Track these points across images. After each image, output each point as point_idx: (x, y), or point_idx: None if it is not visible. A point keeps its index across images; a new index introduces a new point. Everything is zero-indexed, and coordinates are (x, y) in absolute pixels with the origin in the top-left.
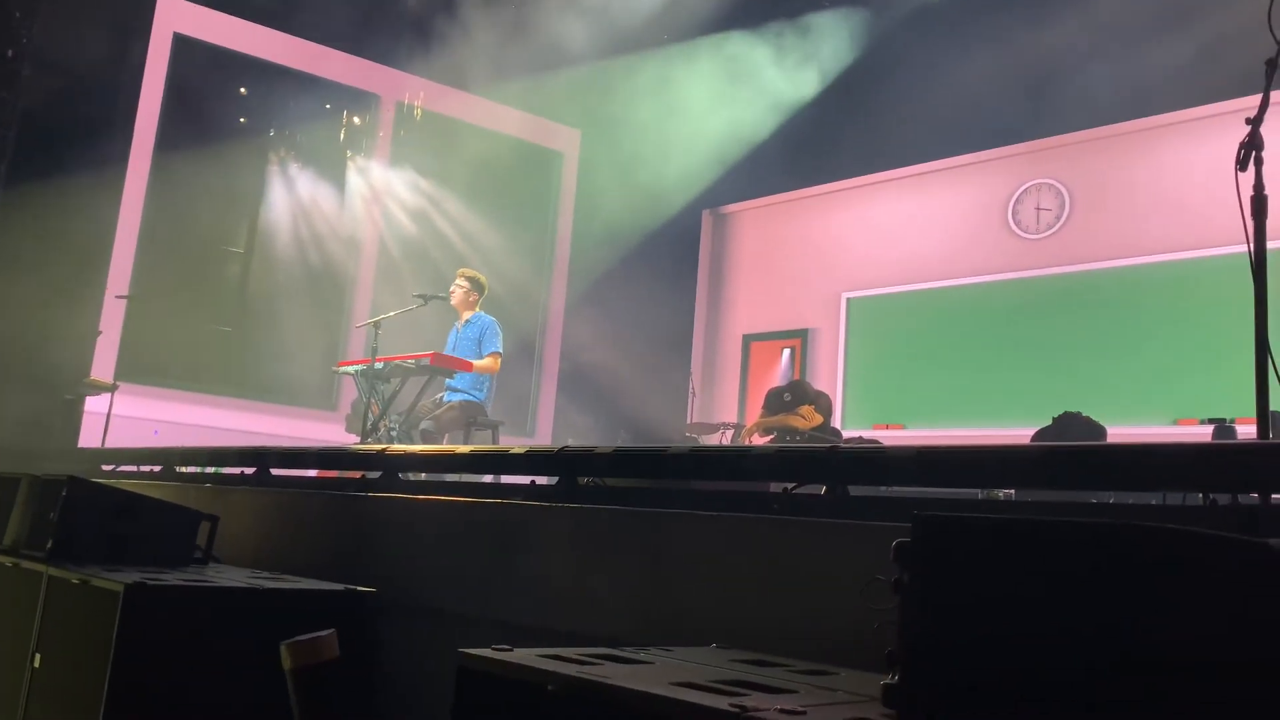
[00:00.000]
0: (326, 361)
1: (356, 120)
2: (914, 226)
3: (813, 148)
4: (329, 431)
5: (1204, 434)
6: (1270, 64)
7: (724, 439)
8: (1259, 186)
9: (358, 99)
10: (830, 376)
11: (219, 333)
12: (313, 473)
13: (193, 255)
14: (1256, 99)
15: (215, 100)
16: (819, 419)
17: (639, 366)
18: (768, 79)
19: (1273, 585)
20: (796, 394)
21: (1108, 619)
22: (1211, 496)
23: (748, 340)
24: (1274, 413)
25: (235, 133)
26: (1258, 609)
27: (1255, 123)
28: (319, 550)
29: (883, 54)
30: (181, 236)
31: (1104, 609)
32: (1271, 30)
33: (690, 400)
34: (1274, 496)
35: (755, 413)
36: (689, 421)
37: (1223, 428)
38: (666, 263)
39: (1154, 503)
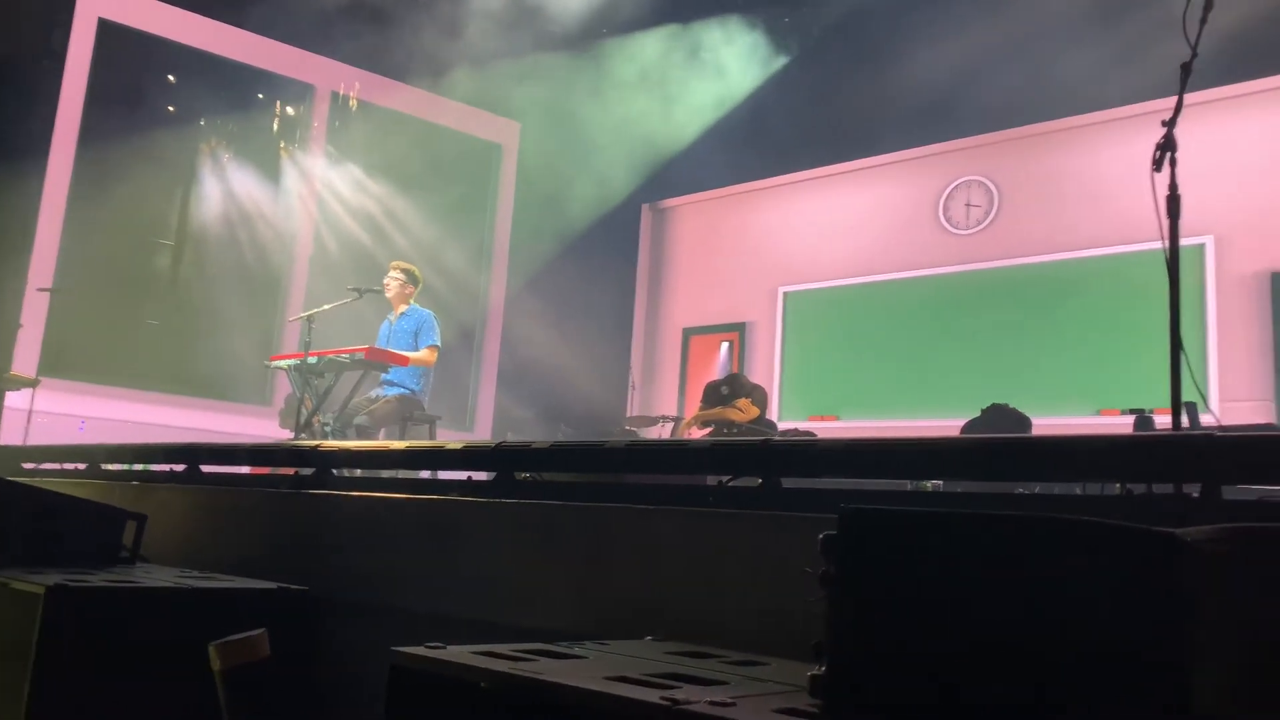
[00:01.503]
0: (260, 356)
1: (290, 110)
2: (849, 221)
3: (750, 144)
4: (263, 427)
5: (1126, 424)
6: (1184, 68)
7: (663, 431)
8: (1173, 187)
9: (291, 89)
10: (767, 369)
11: (148, 326)
12: (245, 469)
13: (120, 247)
14: (1175, 100)
15: (143, 88)
16: (755, 411)
17: (579, 359)
18: (706, 75)
19: (1179, 574)
20: (734, 387)
21: (1025, 609)
22: (1128, 486)
23: (687, 333)
24: (1188, 404)
25: (164, 121)
26: (1164, 597)
27: (1170, 125)
28: (251, 548)
29: (818, 53)
30: (108, 228)
31: (1021, 599)
32: (1186, 35)
33: (630, 393)
34: (1184, 486)
35: (694, 405)
36: (629, 414)
37: (1143, 418)
38: (607, 256)
39: (1077, 492)
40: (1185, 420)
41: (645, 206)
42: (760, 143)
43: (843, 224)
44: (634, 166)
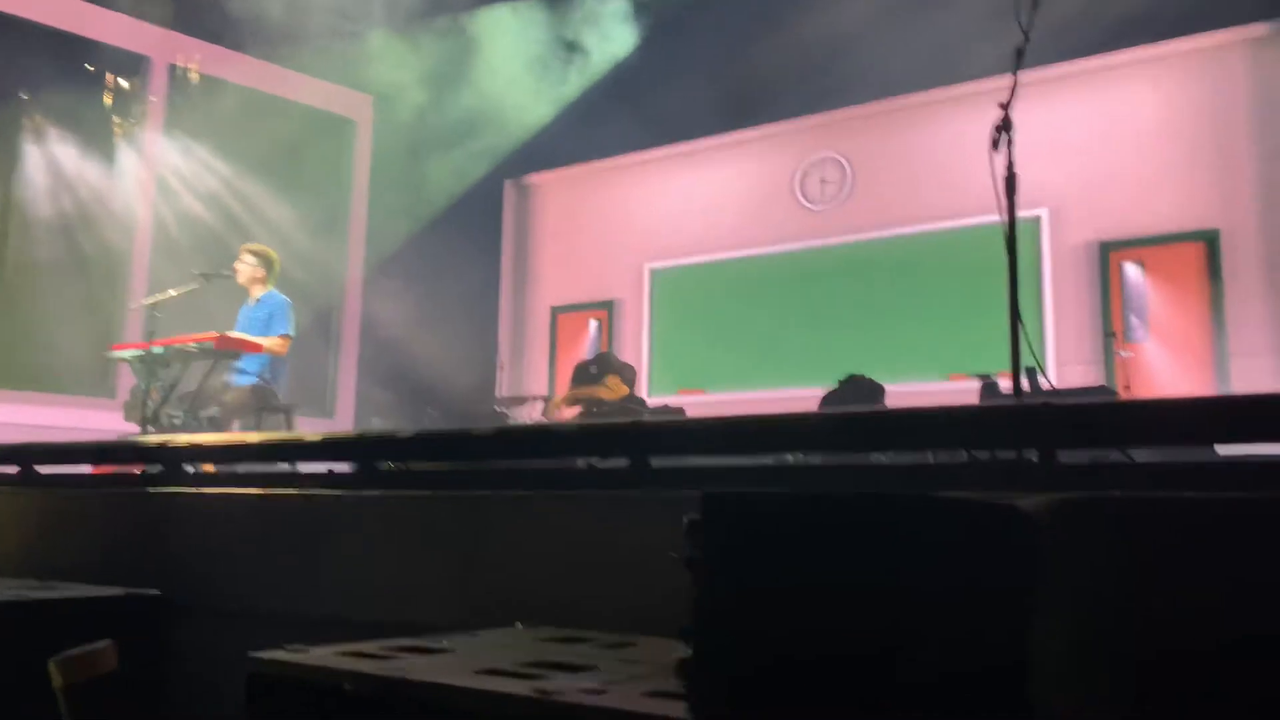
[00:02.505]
0: (99, 345)
1: (124, 83)
2: (711, 198)
3: (611, 119)
4: (106, 420)
5: (973, 388)
6: (1018, 52)
7: (534, 411)
8: (1010, 166)
9: (124, 60)
10: (636, 346)
11: None
12: (87, 469)
13: None
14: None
15: None
16: (625, 390)
17: (444, 340)
18: (564, 49)
19: (1018, 546)
20: (603, 366)
21: (876, 588)
22: (973, 453)
23: (555, 312)
24: (1029, 369)
25: None
26: (1004, 569)
27: (1006, 106)
28: (96, 554)
29: (677, 29)
30: None
31: (873, 578)
32: (1018, 20)
33: (499, 374)
34: (1024, 452)
35: (565, 384)
36: (499, 395)
37: (989, 383)
38: (469, 233)
39: (929, 460)
40: (1026, 385)
41: (508, 183)
42: (621, 118)
43: (706, 200)
44: (495, 141)
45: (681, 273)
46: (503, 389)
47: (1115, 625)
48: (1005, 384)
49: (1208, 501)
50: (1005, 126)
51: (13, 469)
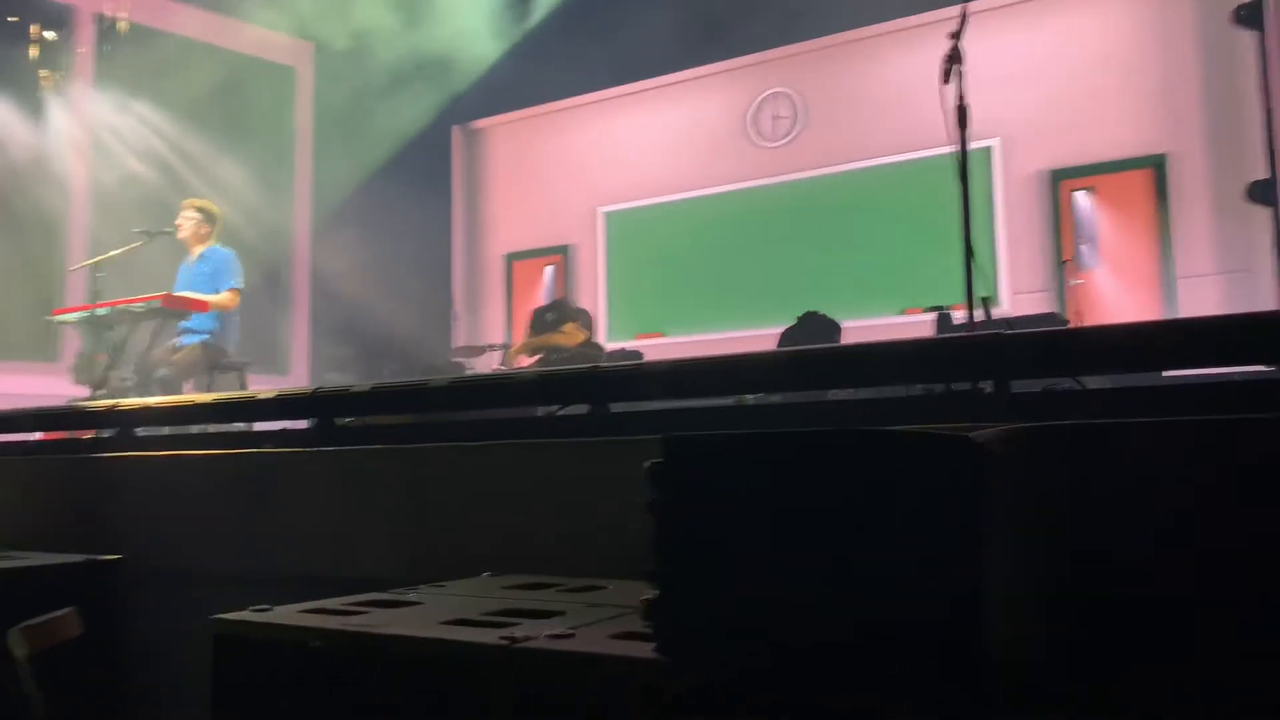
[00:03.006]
0: (40, 309)
1: (49, 35)
2: (663, 138)
3: (560, 60)
4: (52, 385)
5: (928, 321)
6: None
7: (492, 360)
8: (961, 97)
9: (47, 10)
10: (593, 291)
11: None
12: (36, 435)
13: None
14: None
15: None
16: (583, 335)
17: (398, 292)
18: None
19: (974, 478)
20: (559, 312)
21: (837, 524)
22: (929, 386)
23: (510, 259)
24: (983, 299)
25: None
26: (960, 502)
27: (955, 38)
28: (50, 521)
29: None
30: None
31: (833, 514)
32: None
33: (455, 323)
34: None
35: (522, 332)
36: (455, 345)
37: (943, 315)
38: (418, 182)
39: (887, 395)
40: (981, 315)
41: (456, 128)
42: (571, 58)
43: (658, 141)
44: (441, 85)
45: (635, 215)
46: (459, 339)
47: (1065, 554)
48: (959, 315)
49: (1160, 426)
50: (955, 58)
51: None
